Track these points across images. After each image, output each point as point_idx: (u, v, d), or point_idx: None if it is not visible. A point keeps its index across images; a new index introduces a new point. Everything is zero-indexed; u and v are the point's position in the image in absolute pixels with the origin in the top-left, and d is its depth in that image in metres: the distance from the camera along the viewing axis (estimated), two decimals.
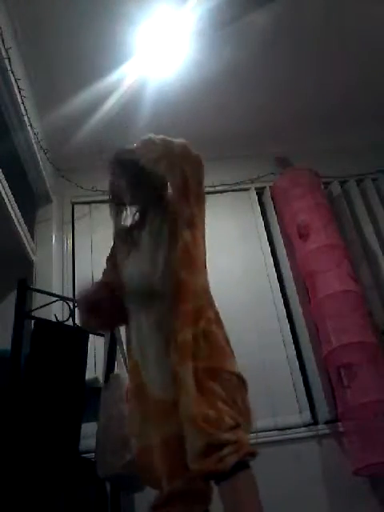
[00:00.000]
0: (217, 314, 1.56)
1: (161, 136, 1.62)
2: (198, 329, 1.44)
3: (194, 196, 1.61)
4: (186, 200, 1.60)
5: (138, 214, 1.79)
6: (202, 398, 1.34)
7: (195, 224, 1.63)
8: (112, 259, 1.79)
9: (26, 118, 2.65)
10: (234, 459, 1.26)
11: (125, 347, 1.68)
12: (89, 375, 2.13)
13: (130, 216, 1.80)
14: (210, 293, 1.60)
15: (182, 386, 1.36)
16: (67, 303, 2.26)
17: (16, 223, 2.72)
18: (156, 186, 1.72)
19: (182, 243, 1.56)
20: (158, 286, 1.54)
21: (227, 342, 1.52)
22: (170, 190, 1.70)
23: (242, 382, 1.47)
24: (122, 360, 1.99)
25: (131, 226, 1.79)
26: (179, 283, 1.50)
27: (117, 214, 1.79)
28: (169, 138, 1.61)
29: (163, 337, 1.49)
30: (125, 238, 1.76)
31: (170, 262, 1.54)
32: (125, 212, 1.80)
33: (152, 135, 1.64)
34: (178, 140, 1.61)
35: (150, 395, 1.48)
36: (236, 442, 1.29)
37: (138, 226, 1.75)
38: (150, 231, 1.66)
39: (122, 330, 2.00)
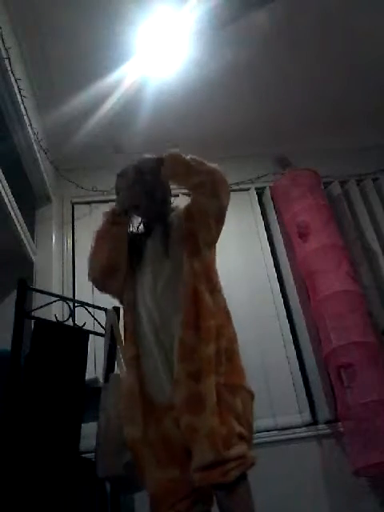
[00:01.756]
0: (234, 332, 1.61)
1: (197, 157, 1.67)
2: (220, 346, 1.49)
3: (221, 221, 1.70)
4: (215, 224, 1.68)
5: (143, 224, 1.83)
6: (219, 414, 1.39)
7: (214, 244, 1.72)
8: None
9: (26, 118, 2.64)
10: (237, 473, 1.35)
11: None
12: (89, 375, 2.13)
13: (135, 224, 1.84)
14: (228, 311, 1.65)
15: (202, 401, 1.40)
16: (67, 303, 2.25)
17: (16, 223, 2.72)
18: (168, 201, 1.79)
19: (203, 262, 1.62)
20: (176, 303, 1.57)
21: (240, 358, 1.57)
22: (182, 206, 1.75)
23: (252, 397, 1.54)
24: (122, 360, 1.99)
25: (139, 235, 1.82)
26: (200, 301, 1.54)
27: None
28: (208, 163, 1.67)
29: (166, 348, 1.53)
30: (134, 245, 1.78)
31: (191, 279, 1.57)
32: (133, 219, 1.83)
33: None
34: (216, 166, 1.68)
35: (147, 396, 1.52)
36: (241, 457, 1.36)
37: (146, 237, 1.78)
38: (169, 249, 1.68)
39: (122, 330, 2.00)
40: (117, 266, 1.71)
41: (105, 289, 1.80)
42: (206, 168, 1.64)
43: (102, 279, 1.75)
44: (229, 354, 1.51)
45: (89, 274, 1.77)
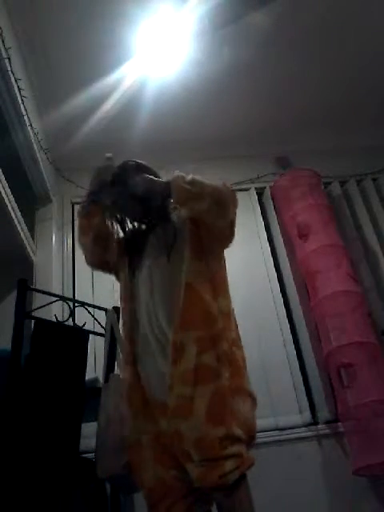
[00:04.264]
0: (238, 335, 1.60)
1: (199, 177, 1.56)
2: (220, 350, 1.47)
3: (233, 231, 1.66)
4: (228, 236, 1.65)
5: (142, 226, 1.80)
6: (217, 417, 1.37)
7: (223, 250, 1.70)
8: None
9: (26, 118, 2.64)
10: (236, 475, 1.33)
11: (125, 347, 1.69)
12: (89, 375, 2.13)
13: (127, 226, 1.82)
14: (233, 315, 1.62)
15: (194, 405, 1.39)
16: (67, 303, 2.26)
17: (16, 223, 2.72)
18: (166, 205, 1.68)
19: (208, 266, 1.59)
20: (174, 310, 1.53)
21: (244, 362, 1.56)
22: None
23: (254, 401, 1.52)
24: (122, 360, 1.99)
25: (134, 236, 1.79)
26: (200, 303, 1.52)
27: (115, 221, 1.80)
28: (208, 183, 1.57)
29: (163, 346, 1.52)
30: (129, 247, 1.76)
31: (191, 280, 1.54)
32: (122, 220, 1.81)
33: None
34: (221, 183, 1.59)
35: (145, 394, 1.52)
36: (238, 456, 1.35)
37: (143, 239, 1.74)
38: (168, 252, 1.64)
39: (122, 330, 2.00)
40: (105, 235, 1.76)
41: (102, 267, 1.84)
42: (208, 191, 1.53)
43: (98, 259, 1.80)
44: (229, 357, 1.49)
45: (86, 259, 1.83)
